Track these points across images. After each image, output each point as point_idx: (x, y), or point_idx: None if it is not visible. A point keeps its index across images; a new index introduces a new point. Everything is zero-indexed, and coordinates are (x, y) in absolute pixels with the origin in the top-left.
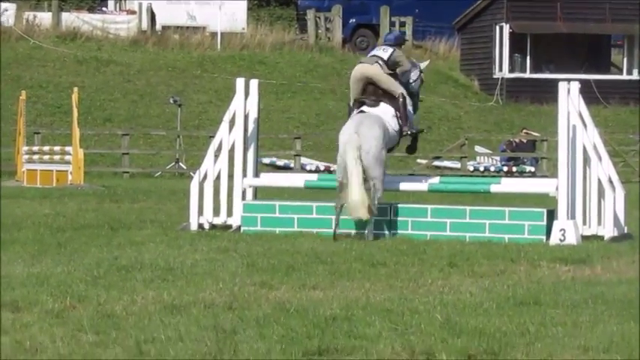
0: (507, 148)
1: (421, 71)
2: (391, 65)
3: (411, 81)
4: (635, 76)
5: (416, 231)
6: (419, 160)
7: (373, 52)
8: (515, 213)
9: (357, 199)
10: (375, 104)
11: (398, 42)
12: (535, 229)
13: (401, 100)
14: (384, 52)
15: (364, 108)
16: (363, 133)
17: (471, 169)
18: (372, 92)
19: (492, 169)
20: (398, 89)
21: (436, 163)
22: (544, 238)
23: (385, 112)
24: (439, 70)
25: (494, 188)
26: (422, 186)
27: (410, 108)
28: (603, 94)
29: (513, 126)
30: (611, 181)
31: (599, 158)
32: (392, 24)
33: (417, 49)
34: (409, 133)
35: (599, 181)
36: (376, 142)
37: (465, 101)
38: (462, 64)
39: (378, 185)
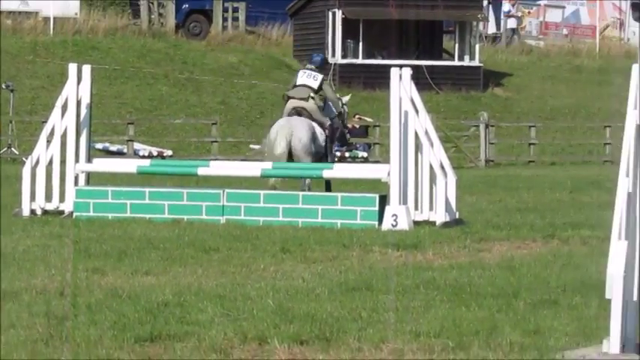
0: None
1: (343, 105)
2: (319, 92)
3: (332, 116)
4: (466, 62)
5: (248, 216)
6: (252, 146)
7: (302, 81)
8: (347, 198)
9: (282, 152)
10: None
11: (323, 64)
12: (367, 214)
13: (327, 131)
14: (314, 80)
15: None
16: (296, 124)
17: None
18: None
19: None
20: (326, 122)
21: None
22: (376, 223)
23: (315, 125)
24: (272, 55)
25: (327, 174)
26: (255, 171)
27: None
28: (435, 80)
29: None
30: (442, 167)
31: (431, 144)
32: (225, 9)
33: (250, 35)
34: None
35: (431, 167)
36: (307, 134)
37: None
38: (295, 50)
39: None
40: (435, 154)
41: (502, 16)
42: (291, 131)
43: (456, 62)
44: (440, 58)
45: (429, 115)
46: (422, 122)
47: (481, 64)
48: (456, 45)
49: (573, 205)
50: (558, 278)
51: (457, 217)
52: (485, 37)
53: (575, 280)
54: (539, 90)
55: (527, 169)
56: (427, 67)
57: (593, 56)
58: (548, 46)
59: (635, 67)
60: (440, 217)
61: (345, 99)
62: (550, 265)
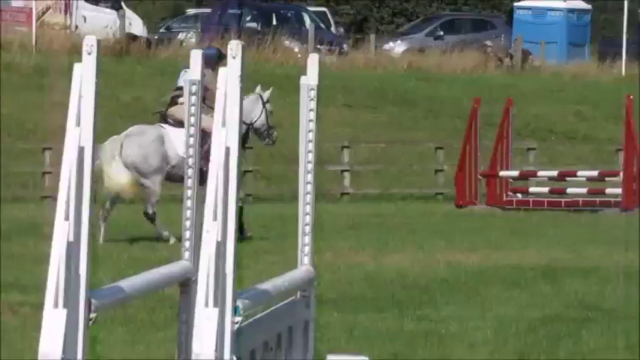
0: None
1: (264, 103)
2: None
3: (253, 122)
4: None
5: None
6: None
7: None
8: None
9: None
10: (180, 126)
11: (217, 59)
12: None
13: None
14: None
15: (165, 125)
16: (130, 139)
17: None
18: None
19: None
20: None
21: None
22: None
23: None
24: None
25: None
26: None
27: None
28: None
29: None
30: None
31: None
32: None
33: None
34: None
35: None
36: (139, 151)
37: None
38: None
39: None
40: None
41: None
42: (121, 143)
43: None
44: None
45: None
46: None
47: None
48: None
49: None
50: None
51: None
52: None
53: None
54: None
55: None
56: None
57: (29, 51)
58: None
59: (77, 66)
60: None
61: (266, 94)
62: None
